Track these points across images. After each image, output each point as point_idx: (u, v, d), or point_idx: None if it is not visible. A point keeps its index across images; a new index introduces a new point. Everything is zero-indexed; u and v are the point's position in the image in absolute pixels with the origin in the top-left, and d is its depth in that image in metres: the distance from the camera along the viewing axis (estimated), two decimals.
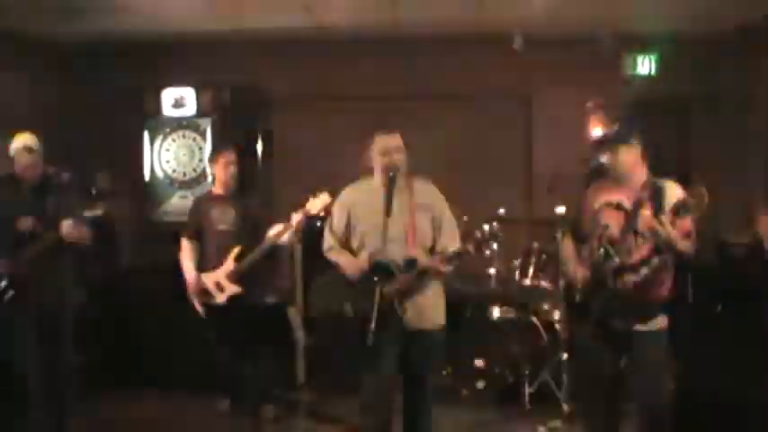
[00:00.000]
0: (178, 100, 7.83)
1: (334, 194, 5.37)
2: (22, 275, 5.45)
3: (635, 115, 5.55)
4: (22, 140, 5.55)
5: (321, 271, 5.10)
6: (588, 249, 4.67)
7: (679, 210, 4.18)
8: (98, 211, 5.51)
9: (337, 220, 5.01)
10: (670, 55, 7.90)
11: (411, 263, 4.66)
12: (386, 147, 4.84)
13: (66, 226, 5.39)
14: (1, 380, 5.85)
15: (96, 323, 6.07)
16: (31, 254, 5.42)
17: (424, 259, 4.72)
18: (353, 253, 4.92)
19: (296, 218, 5.92)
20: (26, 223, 5.46)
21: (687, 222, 4.30)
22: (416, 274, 4.67)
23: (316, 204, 5.86)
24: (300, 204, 5.91)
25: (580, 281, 4.65)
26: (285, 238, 6.01)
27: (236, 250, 6.09)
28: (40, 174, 5.62)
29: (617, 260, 4.44)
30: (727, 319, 6.37)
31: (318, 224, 5.22)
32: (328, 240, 5.04)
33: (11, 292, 5.47)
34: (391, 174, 4.74)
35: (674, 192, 4.43)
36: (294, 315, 6.93)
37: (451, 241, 4.82)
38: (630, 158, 4.60)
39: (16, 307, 5.50)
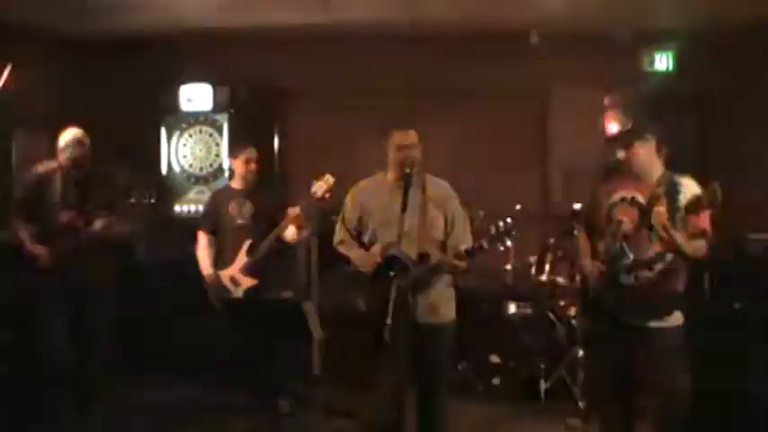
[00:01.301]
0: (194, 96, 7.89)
1: (337, 176, 5.40)
2: (60, 265, 5.61)
3: (652, 111, 5.53)
4: (73, 134, 5.73)
5: (337, 266, 5.11)
6: (603, 245, 4.66)
7: (693, 206, 4.18)
8: (132, 200, 5.66)
9: (349, 213, 5.02)
10: (688, 51, 7.86)
11: (424, 258, 4.67)
12: (401, 143, 4.84)
13: (103, 220, 5.56)
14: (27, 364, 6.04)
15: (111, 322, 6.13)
16: (69, 245, 5.58)
17: (437, 254, 4.73)
18: (364, 247, 4.93)
19: (293, 212, 5.92)
20: (67, 216, 5.63)
21: (702, 219, 4.30)
22: (429, 270, 4.68)
23: (321, 187, 5.85)
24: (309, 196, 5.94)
25: (594, 276, 4.64)
26: (289, 233, 6.03)
27: (247, 243, 6.11)
28: (88, 168, 5.77)
29: (631, 256, 4.44)
30: (745, 316, 6.34)
31: (334, 219, 5.22)
32: (339, 233, 5.05)
33: (48, 281, 5.65)
34: (407, 170, 4.74)
35: (689, 188, 4.42)
36: (310, 310, 6.94)
37: (463, 237, 4.83)
38: (646, 154, 4.59)
39: (52, 294, 5.68)
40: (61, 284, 5.67)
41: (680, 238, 4.23)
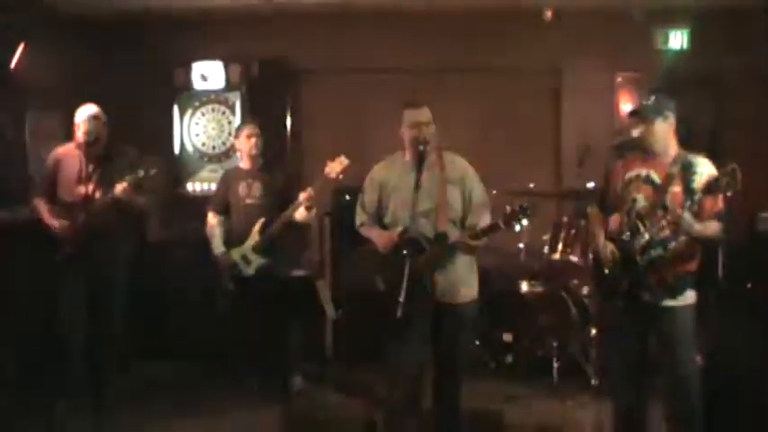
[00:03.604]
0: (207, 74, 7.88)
1: (351, 156, 5.40)
2: (78, 238, 5.72)
3: (666, 90, 5.48)
4: (88, 109, 5.84)
5: (350, 245, 5.11)
6: (616, 223, 4.65)
7: (710, 188, 4.16)
8: (154, 170, 5.69)
9: (368, 196, 5.02)
10: (703, 29, 7.79)
11: (441, 237, 4.66)
12: (415, 120, 4.82)
13: (120, 187, 5.61)
14: (43, 339, 6.12)
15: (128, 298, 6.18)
16: (87, 217, 5.69)
17: (454, 233, 4.72)
18: (384, 228, 4.92)
19: (303, 195, 5.94)
20: (83, 190, 5.76)
21: (717, 201, 4.28)
22: (446, 249, 4.67)
23: (334, 168, 5.87)
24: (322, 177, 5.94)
25: (608, 255, 4.63)
26: (300, 214, 6.03)
27: (260, 222, 6.12)
28: (104, 145, 5.87)
29: (646, 235, 4.42)
30: (758, 297, 6.32)
31: (347, 198, 5.22)
32: (360, 216, 5.05)
33: (66, 253, 5.75)
34: (420, 148, 4.73)
35: (705, 168, 4.40)
36: (323, 288, 6.95)
37: (482, 216, 4.81)
38: (664, 131, 4.56)
39: (69, 268, 5.78)
40: (79, 259, 5.76)
41: (689, 219, 4.21)
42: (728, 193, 4.15)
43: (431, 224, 4.70)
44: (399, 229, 4.76)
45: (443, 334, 4.79)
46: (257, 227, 6.16)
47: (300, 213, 6.05)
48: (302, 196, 5.94)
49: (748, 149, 7.11)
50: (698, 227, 4.25)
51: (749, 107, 7.73)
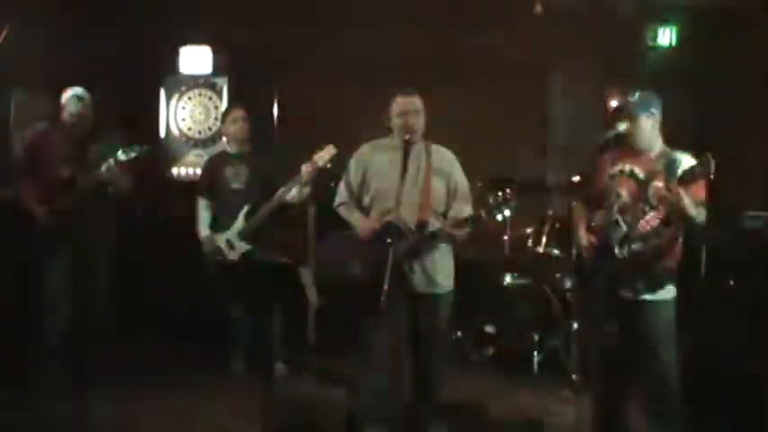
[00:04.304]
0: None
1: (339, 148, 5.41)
2: (62, 220, 5.74)
3: (654, 87, 5.49)
4: (72, 90, 5.90)
5: (334, 231, 5.11)
6: (599, 217, 4.66)
7: (686, 176, 4.16)
8: (133, 154, 5.69)
9: (353, 174, 5.02)
10: (691, 26, 7.80)
11: (423, 226, 4.66)
12: (403, 108, 4.84)
13: (104, 170, 5.65)
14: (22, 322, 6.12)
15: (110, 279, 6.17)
16: (70, 199, 5.70)
17: (435, 223, 4.72)
18: (364, 210, 4.92)
19: (305, 169, 5.91)
20: (67, 171, 5.76)
21: (698, 189, 4.29)
22: (427, 238, 4.68)
23: (323, 156, 5.87)
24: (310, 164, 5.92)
25: (589, 249, 4.64)
26: (294, 193, 6.00)
27: (246, 208, 6.11)
28: (89, 127, 5.93)
29: (626, 228, 4.44)
30: (740, 293, 6.33)
31: (333, 185, 5.21)
32: (342, 194, 5.04)
33: (49, 237, 5.78)
34: (407, 136, 4.73)
35: (688, 164, 4.40)
36: (306, 274, 6.96)
37: (464, 208, 4.83)
38: (650, 128, 4.58)
39: (53, 250, 5.83)
40: (62, 241, 5.79)
41: (684, 199, 4.21)
42: (702, 179, 4.17)
43: (413, 213, 4.70)
44: (383, 219, 4.77)
45: (420, 323, 4.80)
46: (243, 212, 6.15)
47: (294, 193, 6.03)
48: (304, 170, 5.91)
49: (736, 147, 7.11)
50: (686, 200, 4.23)
51: (735, 105, 7.74)
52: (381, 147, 5.00)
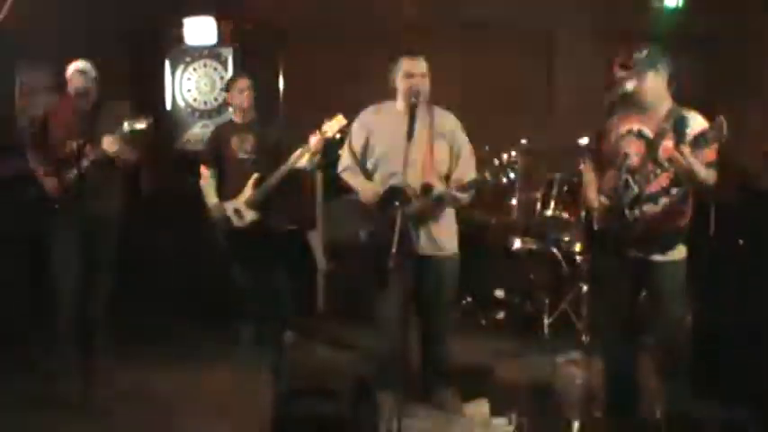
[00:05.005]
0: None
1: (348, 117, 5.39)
2: (68, 193, 5.74)
3: (662, 47, 5.44)
4: (76, 64, 5.86)
5: (341, 198, 5.11)
6: (608, 179, 4.63)
7: (698, 140, 4.14)
8: (142, 125, 5.67)
9: (356, 139, 5.00)
10: None
11: (427, 189, 4.65)
12: (410, 70, 4.81)
13: (108, 141, 5.62)
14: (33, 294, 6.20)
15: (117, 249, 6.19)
16: (77, 171, 5.66)
17: (440, 186, 4.71)
18: (367, 174, 4.91)
19: (313, 140, 5.91)
20: (72, 145, 5.71)
21: (709, 152, 4.26)
22: (431, 201, 4.67)
23: (332, 126, 5.88)
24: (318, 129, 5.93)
25: (599, 210, 4.62)
26: (304, 161, 6.00)
27: (254, 177, 6.11)
28: (95, 99, 5.89)
29: (636, 189, 4.41)
30: (749, 253, 6.32)
31: (339, 153, 5.21)
32: (346, 159, 5.03)
33: (57, 209, 5.78)
34: (413, 99, 4.70)
35: (697, 122, 4.37)
36: (314, 240, 6.96)
37: (468, 171, 4.82)
38: (657, 85, 4.53)
39: (60, 221, 5.82)
40: (71, 213, 5.78)
41: (694, 163, 4.18)
42: (715, 144, 4.15)
43: (417, 176, 4.68)
44: (381, 177, 4.80)
45: (426, 287, 4.80)
46: (251, 181, 6.14)
47: (304, 160, 6.03)
48: (312, 140, 5.92)
49: (743, 109, 7.07)
50: (696, 164, 4.20)
51: (744, 65, 7.69)
52: (385, 110, 4.98)
